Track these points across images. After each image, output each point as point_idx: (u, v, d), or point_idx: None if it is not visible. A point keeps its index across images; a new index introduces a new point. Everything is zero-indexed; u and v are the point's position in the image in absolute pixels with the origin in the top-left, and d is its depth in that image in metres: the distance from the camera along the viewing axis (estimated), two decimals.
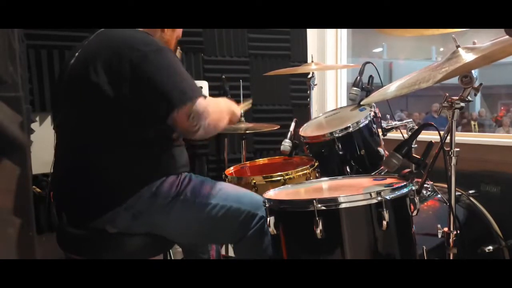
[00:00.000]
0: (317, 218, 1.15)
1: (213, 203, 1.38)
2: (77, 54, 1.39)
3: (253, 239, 1.39)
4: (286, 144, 1.97)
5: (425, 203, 1.74)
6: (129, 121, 1.31)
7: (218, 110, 1.38)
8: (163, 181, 1.36)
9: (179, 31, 1.57)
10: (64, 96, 1.42)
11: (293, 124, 2.04)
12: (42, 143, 1.89)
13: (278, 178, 1.70)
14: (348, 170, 1.83)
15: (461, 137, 2.28)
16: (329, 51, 3.13)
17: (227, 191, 1.43)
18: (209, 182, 1.46)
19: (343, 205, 1.18)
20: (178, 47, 1.98)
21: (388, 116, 1.98)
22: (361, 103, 1.87)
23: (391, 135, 1.95)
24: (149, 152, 1.34)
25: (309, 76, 2.35)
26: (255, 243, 1.39)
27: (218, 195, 1.40)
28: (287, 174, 1.71)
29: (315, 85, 2.39)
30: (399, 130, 1.93)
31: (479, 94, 1.36)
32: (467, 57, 1.25)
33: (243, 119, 2.45)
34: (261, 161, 2.15)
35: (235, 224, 1.39)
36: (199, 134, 1.31)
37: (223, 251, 2.35)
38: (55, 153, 1.46)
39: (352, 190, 1.37)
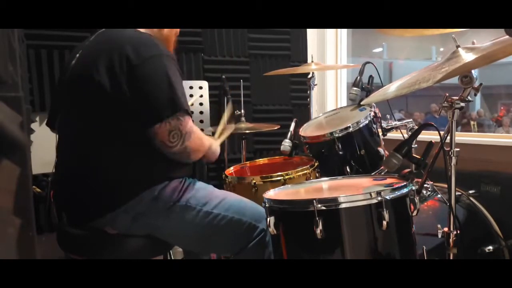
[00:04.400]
0: (317, 218, 1.15)
1: (214, 212, 1.38)
2: (78, 54, 1.39)
3: (253, 251, 1.38)
4: (286, 144, 1.97)
5: (425, 203, 1.74)
6: (130, 122, 1.30)
7: (199, 140, 1.37)
8: (166, 186, 1.35)
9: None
10: (65, 96, 1.42)
11: (293, 124, 2.04)
12: (42, 143, 1.89)
13: (278, 178, 1.70)
14: (348, 170, 1.83)
15: (461, 137, 2.28)
16: (329, 51, 3.13)
17: (229, 201, 1.42)
18: (213, 190, 1.45)
19: (343, 205, 1.18)
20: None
21: (388, 116, 1.99)
22: (361, 103, 1.87)
23: (391, 135, 1.95)
24: (151, 154, 1.34)
25: (309, 76, 2.35)
26: (254, 255, 1.38)
27: (221, 205, 1.39)
28: (287, 174, 1.71)
29: (315, 85, 2.39)
30: (399, 130, 1.93)
31: (479, 94, 1.36)
32: (467, 57, 1.25)
33: (243, 119, 2.45)
34: (261, 161, 2.15)
35: (235, 235, 1.38)
36: (173, 153, 1.31)
37: None
38: (56, 154, 1.46)
39: (352, 190, 1.37)
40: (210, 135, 1.72)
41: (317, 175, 1.79)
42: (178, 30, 1.57)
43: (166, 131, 1.27)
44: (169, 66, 1.31)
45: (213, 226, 1.37)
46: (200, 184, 1.45)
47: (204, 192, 1.41)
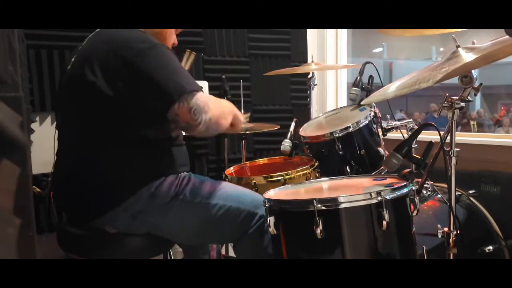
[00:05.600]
0: (317, 218, 1.15)
1: (212, 203, 1.38)
2: (74, 57, 1.40)
3: (253, 238, 1.39)
4: (286, 144, 1.97)
5: (425, 203, 1.74)
6: (127, 120, 1.31)
7: (219, 106, 1.36)
8: (162, 182, 1.36)
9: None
10: (64, 98, 1.43)
11: (293, 124, 2.04)
12: (42, 143, 1.89)
13: (278, 178, 1.70)
14: (348, 170, 1.83)
15: (461, 137, 2.28)
16: (329, 51, 3.13)
17: (226, 191, 1.43)
18: (209, 181, 1.46)
19: (343, 205, 1.18)
20: (188, 50, 2.00)
21: (388, 116, 1.99)
22: (361, 103, 1.87)
23: (391, 135, 1.95)
24: (148, 152, 1.34)
25: (309, 76, 2.35)
26: (255, 242, 1.39)
27: (218, 195, 1.40)
28: (287, 174, 1.71)
29: (315, 85, 2.39)
30: (399, 130, 1.93)
31: (479, 94, 1.36)
32: (467, 57, 1.25)
33: None
34: (261, 161, 2.15)
35: (235, 224, 1.39)
36: (200, 129, 1.30)
37: (223, 251, 2.35)
38: (56, 154, 1.46)
39: (352, 190, 1.37)
40: None
41: (317, 175, 1.79)
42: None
43: (187, 109, 1.26)
44: (167, 52, 1.32)
45: (212, 216, 1.37)
46: (195, 177, 1.45)
47: (200, 184, 1.42)
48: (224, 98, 2.72)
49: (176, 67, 1.31)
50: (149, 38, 1.33)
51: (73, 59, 1.39)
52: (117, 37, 1.32)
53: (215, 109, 1.32)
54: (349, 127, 1.79)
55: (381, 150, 1.87)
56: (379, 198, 1.17)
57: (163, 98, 1.27)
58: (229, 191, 1.44)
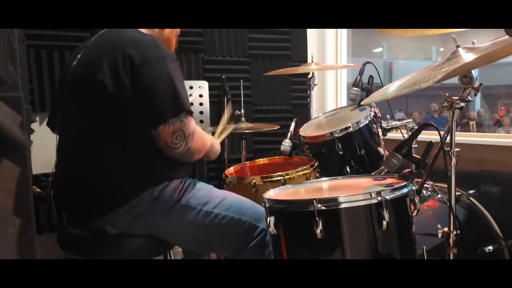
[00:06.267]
0: (317, 218, 1.15)
1: (215, 212, 1.38)
2: (79, 55, 1.39)
3: (252, 251, 1.38)
4: (286, 144, 1.97)
5: (425, 203, 1.74)
6: (131, 122, 1.30)
7: (202, 139, 1.39)
8: (166, 186, 1.35)
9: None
10: (67, 97, 1.42)
11: (293, 124, 2.04)
12: (42, 143, 1.89)
13: (278, 178, 1.70)
14: (348, 170, 1.83)
15: (461, 137, 2.28)
16: (329, 51, 3.13)
17: (230, 201, 1.42)
18: (213, 190, 1.45)
19: (343, 205, 1.18)
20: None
21: (388, 116, 1.99)
22: (361, 103, 1.87)
23: (391, 135, 1.95)
24: (152, 154, 1.34)
25: (309, 76, 2.35)
26: (254, 255, 1.38)
27: (221, 205, 1.40)
28: (287, 174, 1.71)
29: (315, 85, 2.39)
30: (399, 130, 1.93)
31: (479, 94, 1.36)
32: (467, 57, 1.25)
33: (243, 119, 2.45)
34: (261, 161, 2.15)
35: (236, 235, 1.39)
36: (176, 154, 1.32)
37: None
38: (57, 154, 1.46)
39: (352, 190, 1.37)
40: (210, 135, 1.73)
41: (317, 175, 1.79)
42: (179, 30, 1.58)
43: (170, 133, 1.28)
44: (172, 67, 1.31)
45: (214, 226, 1.37)
46: (200, 184, 1.45)
47: (204, 192, 1.41)
48: (224, 98, 2.73)
49: (178, 85, 1.31)
50: (159, 47, 1.33)
51: (79, 56, 1.39)
52: (128, 38, 1.32)
53: (197, 141, 1.34)
54: (349, 127, 1.79)
55: (381, 150, 1.87)
56: (379, 198, 1.17)
57: (155, 114, 1.27)
58: (232, 201, 1.43)
